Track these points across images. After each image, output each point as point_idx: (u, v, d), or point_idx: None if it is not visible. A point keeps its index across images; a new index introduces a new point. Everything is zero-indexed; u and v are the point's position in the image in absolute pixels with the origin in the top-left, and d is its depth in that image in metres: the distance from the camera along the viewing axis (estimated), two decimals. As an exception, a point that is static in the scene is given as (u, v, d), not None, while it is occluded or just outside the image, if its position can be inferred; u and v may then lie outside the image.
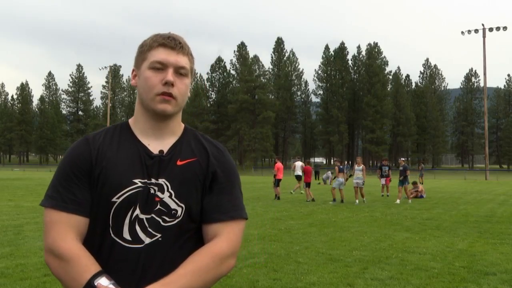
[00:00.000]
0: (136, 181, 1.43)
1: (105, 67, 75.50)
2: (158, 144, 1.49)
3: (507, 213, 13.96)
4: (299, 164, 21.65)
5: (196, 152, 1.52)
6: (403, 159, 20.06)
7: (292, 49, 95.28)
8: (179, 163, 1.48)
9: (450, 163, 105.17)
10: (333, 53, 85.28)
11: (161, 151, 1.48)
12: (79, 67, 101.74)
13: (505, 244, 8.65)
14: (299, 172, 20.85)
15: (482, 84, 68.95)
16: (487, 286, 5.71)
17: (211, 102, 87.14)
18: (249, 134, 72.00)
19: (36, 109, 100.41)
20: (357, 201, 16.98)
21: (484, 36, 47.21)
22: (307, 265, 6.71)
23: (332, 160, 73.26)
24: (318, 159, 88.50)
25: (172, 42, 1.47)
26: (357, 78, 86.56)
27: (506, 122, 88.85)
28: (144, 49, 1.49)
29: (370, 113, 76.14)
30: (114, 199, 1.41)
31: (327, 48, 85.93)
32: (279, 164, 19.63)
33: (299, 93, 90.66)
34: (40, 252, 7.36)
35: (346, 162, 53.61)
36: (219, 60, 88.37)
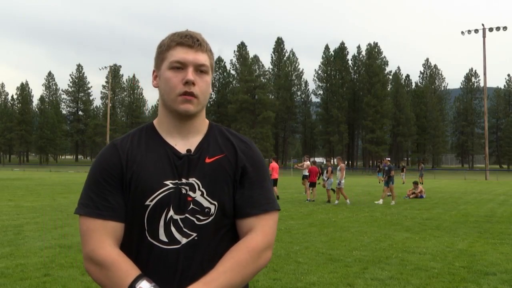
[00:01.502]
0: (167, 182, 1.43)
1: (105, 67, 75.50)
2: (184, 143, 1.49)
3: (507, 213, 13.96)
4: (307, 163, 21.25)
5: (224, 148, 1.52)
6: (388, 159, 19.62)
7: (292, 49, 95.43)
8: (207, 160, 1.48)
9: (450, 163, 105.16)
10: (333, 53, 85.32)
11: (188, 150, 1.48)
12: (79, 67, 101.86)
13: (505, 244, 8.65)
14: (306, 172, 20.71)
15: (482, 84, 68.97)
16: (487, 286, 5.71)
17: (211, 102, 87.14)
18: (249, 134, 71.98)
19: (36, 109, 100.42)
20: (336, 201, 16.89)
21: (484, 36, 47.21)
22: (307, 265, 6.71)
23: (332, 160, 73.24)
24: (318, 159, 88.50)
25: (190, 40, 1.46)
26: (357, 78, 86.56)
27: (506, 122, 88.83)
28: (163, 49, 1.49)
29: (370, 113, 76.15)
30: (147, 202, 1.41)
31: (327, 48, 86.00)
32: (274, 164, 19.68)
33: (299, 93, 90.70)
34: (40, 252, 7.37)
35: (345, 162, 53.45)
36: (219, 60, 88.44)
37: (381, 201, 17.03)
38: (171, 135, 1.50)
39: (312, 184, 18.22)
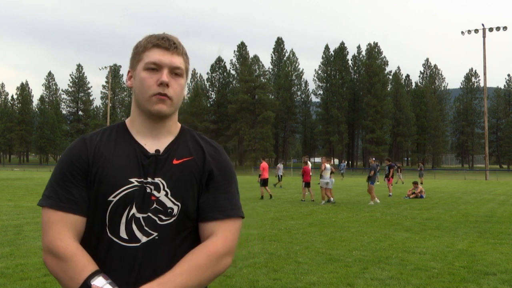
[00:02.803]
0: (132, 180, 1.44)
1: (105, 67, 75.49)
2: (154, 143, 1.50)
3: (507, 213, 13.96)
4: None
5: (193, 151, 1.53)
6: (373, 158, 19.48)
7: (292, 49, 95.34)
8: (175, 162, 1.49)
9: (450, 163, 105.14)
10: (333, 53, 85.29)
11: (157, 151, 1.49)
12: (79, 67, 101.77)
13: (505, 244, 8.64)
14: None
15: (482, 84, 69.02)
16: (487, 286, 5.71)
17: (211, 102, 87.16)
18: (249, 134, 72.02)
19: (36, 109, 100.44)
20: (322, 201, 16.84)
21: (484, 36, 47.19)
22: (307, 265, 6.71)
23: (332, 160, 73.25)
24: (318, 159, 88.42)
25: (166, 43, 1.47)
26: (357, 78, 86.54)
27: (506, 122, 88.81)
28: (139, 50, 1.50)
29: (370, 113, 76.16)
30: (110, 198, 1.42)
31: (327, 48, 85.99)
32: (264, 164, 19.77)
33: (299, 93, 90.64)
34: (40, 252, 7.36)
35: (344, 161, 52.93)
36: (219, 60, 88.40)
37: (373, 202, 16.96)
38: (142, 135, 1.51)
39: (307, 184, 18.26)
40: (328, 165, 17.39)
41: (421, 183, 26.00)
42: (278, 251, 7.74)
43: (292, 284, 5.74)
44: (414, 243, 8.68)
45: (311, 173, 18.31)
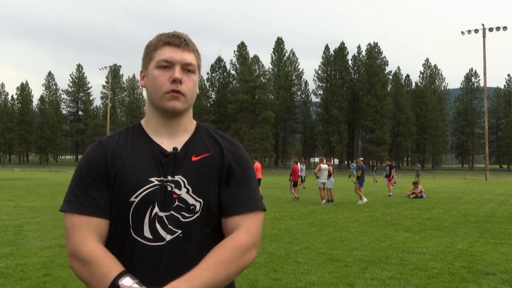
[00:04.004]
0: (152, 179, 1.44)
1: (105, 67, 75.48)
2: (171, 142, 1.51)
3: (507, 213, 13.95)
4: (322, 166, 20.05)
5: (210, 147, 1.53)
6: (361, 158, 19.52)
7: (292, 49, 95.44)
8: (194, 159, 1.49)
9: (450, 163, 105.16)
10: (333, 53, 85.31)
11: (175, 148, 1.49)
12: (79, 67, 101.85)
13: (505, 244, 8.64)
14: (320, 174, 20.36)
15: (482, 84, 68.99)
16: (487, 286, 5.71)
17: (211, 102, 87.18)
18: (249, 134, 72.01)
19: (36, 109, 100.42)
20: (322, 201, 16.85)
21: (484, 36, 47.19)
22: (307, 265, 6.71)
23: (332, 160, 73.37)
24: (317, 160, 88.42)
25: (177, 40, 1.48)
26: (357, 78, 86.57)
27: (506, 122, 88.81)
28: (150, 49, 1.51)
29: (370, 113, 76.17)
30: (132, 199, 1.42)
31: (327, 48, 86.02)
32: (257, 164, 19.83)
33: (299, 93, 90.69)
34: (40, 252, 7.37)
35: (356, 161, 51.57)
36: (219, 60, 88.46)
37: (361, 202, 16.90)
38: (158, 134, 1.52)
39: (295, 184, 18.46)
40: (323, 166, 17.38)
41: (414, 183, 25.94)
42: (278, 251, 7.74)
43: (292, 284, 5.74)
44: (414, 243, 8.68)
45: (299, 174, 18.55)
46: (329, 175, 17.47)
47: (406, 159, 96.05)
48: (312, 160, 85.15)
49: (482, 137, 67.74)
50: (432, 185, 30.60)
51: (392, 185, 23.33)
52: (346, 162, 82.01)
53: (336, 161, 72.87)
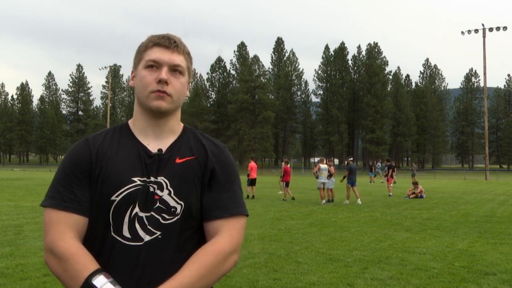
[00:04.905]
0: (135, 179, 1.44)
1: (105, 67, 75.49)
2: (157, 143, 1.51)
3: (507, 213, 13.96)
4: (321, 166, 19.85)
5: (195, 150, 1.53)
6: (351, 158, 19.56)
7: (292, 49, 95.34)
8: (177, 161, 1.49)
9: (450, 163, 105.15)
10: (333, 53, 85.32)
11: (160, 150, 1.49)
12: (79, 67, 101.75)
13: (505, 244, 8.64)
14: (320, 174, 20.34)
15: (482, 84, 69.00)
16: (487, 286, 5.71)
17: (211, 102, 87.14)
18: (249, 134, 71.99)
19: (36, 109, 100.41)
20: (322, 201, 16.87)
21: (484, 36, 47.20)
22: (307, 265, 6.71)
23: (333, 160, 73.30)
24: (317, 160, 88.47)
25: (166, 41, 1.49)
26: (357, 78, 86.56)
27: (506, 122, 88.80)
28: (141, 50, 1.52)
29: (370, 113, 76.17)
30: (113, 198, 1.42)
31: (327, 48, 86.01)
32: (252, 164, 19.88)
33: (299, 93, 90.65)
34: (40, 252, 7.36)
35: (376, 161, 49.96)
36: (219, 60, 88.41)
37: (347, 202, 16.98)
38: (144, 134, 1.52)
39: (287, 184, 18.56)
40: (323, 166, 17.39)
41: (414, 183, 25.92)
42: (278, 251, 7.74)
43: (292, 284, 5.74)
44: (414, 243, 8.68)
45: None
46: (330, 175, 17.47)
47: (406, 159, 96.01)
48: (312, 160, 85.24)
49: (482, 137, 67.75)
50: (432, 185, 30.61)
51: (391, 185, 23.33)
52: (365, 162, 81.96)
53: (336, 161, 72.79)
